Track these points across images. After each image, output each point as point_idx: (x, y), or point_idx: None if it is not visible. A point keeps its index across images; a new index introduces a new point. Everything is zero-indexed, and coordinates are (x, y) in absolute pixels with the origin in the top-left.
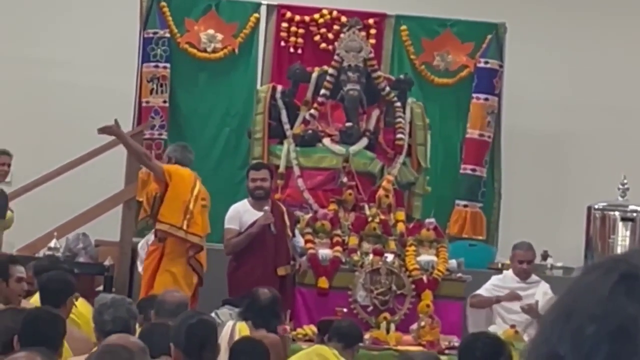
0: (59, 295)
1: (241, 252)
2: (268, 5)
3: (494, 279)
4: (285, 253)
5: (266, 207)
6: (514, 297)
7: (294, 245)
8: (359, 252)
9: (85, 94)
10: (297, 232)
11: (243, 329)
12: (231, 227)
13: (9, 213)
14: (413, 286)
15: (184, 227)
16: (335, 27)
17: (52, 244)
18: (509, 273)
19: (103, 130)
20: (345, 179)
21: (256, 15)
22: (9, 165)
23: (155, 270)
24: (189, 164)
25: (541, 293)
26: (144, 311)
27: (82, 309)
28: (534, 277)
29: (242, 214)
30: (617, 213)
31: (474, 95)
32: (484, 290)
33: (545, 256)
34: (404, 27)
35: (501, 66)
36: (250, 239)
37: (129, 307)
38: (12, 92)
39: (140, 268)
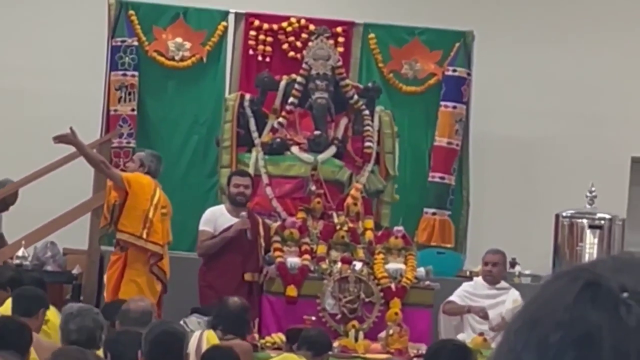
0: (31, 307)
1: (212, 255)
2: (236, 14)
3: (465, 285)
4: (255, 261)
5: (243, 213)
6: (483, 315)
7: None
8: (327, 261)
9: (53, 102)
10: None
11: (211, 337)
12: (206, 229)
13: None
14: (381, 294)
15: (144, 235)
16: (304, 35)
17: (20, 252)
18: (479, 280)
19: (59, 139)
20: (313, 187)
21: (224, 23)
22: None
23: (119, 280)
24: (158, 177)
25: (511, 300)
26: (109, 317)
27: (52, 318)
28: (503, 284)
29: (218, 217)
30: (585, 221)
31: (442, 103)
32: (456, 297)
33: (513, 264)
34: (372, 35)
35: (469, 74)
36: (225, 243)
37: (96, 316)
38: None
39: None
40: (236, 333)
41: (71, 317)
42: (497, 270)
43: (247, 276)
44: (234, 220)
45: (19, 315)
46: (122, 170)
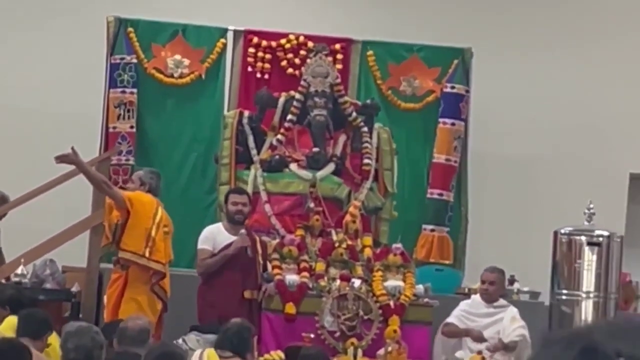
0: (40, 330)
1: (212, 273)
2: (235, 31)
3: (463, 304)
4: (255, 279)
5: (242, 231)
6: (479, 338)
7: (266, 273)
8: (326, 278)
9: (52, 120)
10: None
11: (212, 356)
12: (205, 247)
13: None
14: (380, 311)
15: (146, 254)
16: (302, 52)
17: (19, 270)
18: (477, 297)
19: (60, 159)
20: (312, 205)
21: (223, 40)
22: None
23: (119, 298)
24: (159, 194)
25: (509, 318)
26: (109, 337)
27: (53, 341)
28: (501, 302)
29: (216, 235)
30: (583, 238)
31: (441, 120)
32: (455, 318)
33: (512, 281)
34: (370, 52)
35: (468, 91)
36: (225, 261)
37: (94, 335)
38: None
39: None
40: (236, 352)
41: (69, 336)
42: (494, 289)
43: (247, 294)
44: (232, 238)
45: (26, 337)
46: (122, 188)
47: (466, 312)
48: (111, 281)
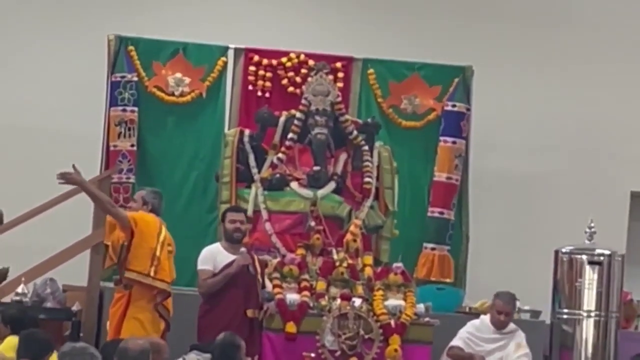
0: (42, 351)
1: (214, 293)
2: (236, 49)
3: (470, 326)
4: (256, 297)
5: (243, 249)
6: None
7: (263, 290)
8: (326, 297)
9: (52, 138)
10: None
11: None
12: (206, 268)
13: None
14: (381, 331)
15: (151, 273)
16: (303, 70)
17: (19, 289)
18: (486, 320)
19: (64, 179)
20: (313, 223)
21: (224, 59)
22: None
23: (121, 317)
24: (161, 214)
25: (514, 345)
26: (109, 356)
27: None
28: (511, 326)
29: (216, 255)
30: (584, 257)
31: (442, 138)
32: (461, 341)
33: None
34: (371, 70)
35: (468, 109)
36: (227, 280)
37: (91, 356)
38: None
39: None
40: None
41: (64, 356)
42: (508, 319)
43: (250, 312)
44: (232, 257)
45: (27, 359)
46: (123, 207)
47: (473, 336)
48: (114, 300)
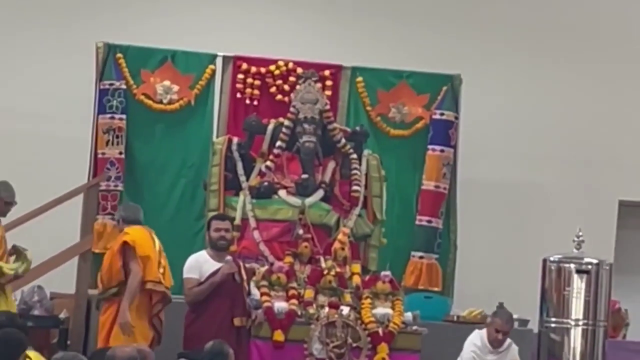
0: (12, 353)
1: (200, 302)
2: (224, 57)
3: (473, 345)
4: (243, 305)
5: (228, 257)
6: None
7: (251, 299)
8: (314, 305)
9: (41, 145)
10: (252, 284)
11: None
12: (191, 276)
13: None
14: (369, 339)
15: (162, 280)
16: (291, 78)
17: None
18: (484, 337)
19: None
20: (301, 231)
21: (212, 66)
22: None
23: (112, 325)
24: (142, 221)
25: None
26: None
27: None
28: (507, 342)
29: (202, 264)
30: (572, 265)
31: (430, 146)
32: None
33: (500, 308)
34: (359, 78)
35: (457, 118)
36: (213, 288)
37: None
38: None
39: None
40: None
41: None
42: (505, 338)
43: (237, 321)
44: (218, 265)
45: None
46: (110, 214)
47: (477, 355)
48: (104, 309)
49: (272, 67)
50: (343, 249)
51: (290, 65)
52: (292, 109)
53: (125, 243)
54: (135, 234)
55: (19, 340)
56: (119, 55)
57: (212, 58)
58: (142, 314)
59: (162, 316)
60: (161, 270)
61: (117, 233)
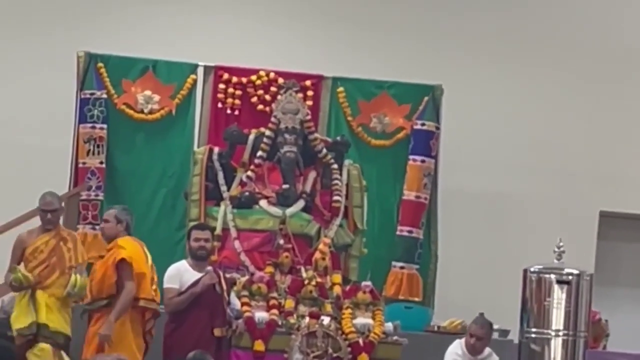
0: None
1: (180, 312)
2: (205, 67)
3: (453, 354)
4: (223, 315)
5: (209, 267)
6: None
7: (231, 308)
8: (295, 315)
9: (21, 154)
10: (232, 294)
11: None
12: (172, 286)
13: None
14: (349, 349)
15: (156, 298)
16: (273, 88)
17: None
18: (464, 346)
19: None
20: (281, 241)
21: (193, 76)
22: None
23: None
24: (133, 230)
25: None
26: None
27: None
28: (486, 352)
29: (183, 273)
30: (552, 276)
31: (411, 157)
32: None
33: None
34: (340, 88)
35: (438, 128)
36: (193, 298)
37: None
38: None
39: None
40: None
41: None
42: (481, 344)
43: (217, 332)
44: (198, 275)
45: None
46: (91, 224)
47: None
48: (94, 320)
49: (254, 77)
50: (324, 259)
51: (272, 75)
52: (273, 119)
53: (123, 260)
54: (132, 249)
55: (8, 349)
56: (100, 64)
57: (194, 68)
58: (137, 331)
59: (153, 332)
60: (154, 287)
61: (99, 242)
